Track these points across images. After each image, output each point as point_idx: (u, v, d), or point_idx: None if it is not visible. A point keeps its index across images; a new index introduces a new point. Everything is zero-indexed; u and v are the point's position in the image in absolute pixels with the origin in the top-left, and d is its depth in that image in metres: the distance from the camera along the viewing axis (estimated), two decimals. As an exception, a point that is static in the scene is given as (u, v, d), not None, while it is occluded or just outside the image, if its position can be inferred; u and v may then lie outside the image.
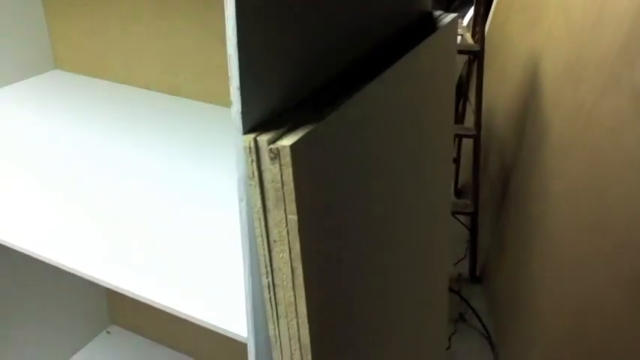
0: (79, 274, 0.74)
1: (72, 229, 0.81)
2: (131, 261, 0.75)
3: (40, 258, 0.77)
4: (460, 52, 2.04)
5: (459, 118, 2.49)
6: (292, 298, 0.57)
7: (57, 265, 0.75)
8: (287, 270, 0.56)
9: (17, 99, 1.21)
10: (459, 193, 2.55)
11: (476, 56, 1.95)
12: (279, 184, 0.52)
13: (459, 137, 2.35)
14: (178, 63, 1.20)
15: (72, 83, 1.29)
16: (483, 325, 1.87)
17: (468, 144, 2.28)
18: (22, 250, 0.78)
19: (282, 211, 0.53)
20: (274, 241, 0.55)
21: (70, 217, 0.84)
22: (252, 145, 0.52)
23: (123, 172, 0.94)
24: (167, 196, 0.89)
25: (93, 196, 0.88)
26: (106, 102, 1.20)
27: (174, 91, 1.23)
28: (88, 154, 1.00)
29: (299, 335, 0.58)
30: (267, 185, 0.53)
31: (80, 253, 0.76)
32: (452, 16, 0.91)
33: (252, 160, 0.52)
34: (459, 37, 2.14)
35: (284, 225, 0.54)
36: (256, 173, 0.53)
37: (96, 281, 0.73)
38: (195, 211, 0.85)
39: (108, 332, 1.62)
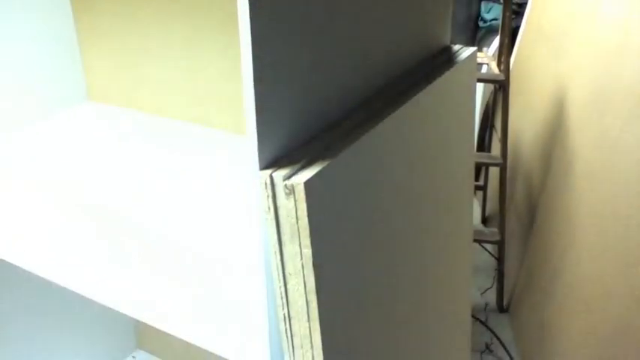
0: (104, 304, 0.76)
1: (90, 254, 0.84)
2: (151, 290, 0.77)
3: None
4: (486, 81, 2.05)
5: (486, 146, 2.49)
6: (307, 330, 0.59)
7: (82, 293, 0.78)
8: (302, 302, 0.57)
9: (52, 128, 1.25)
10: (486, 221, 2.53)
11: (501, 85, 1.96)
12: (294, 219, 0.54)
13: (486, 166, 2.34)
14: (205, 95, 1.23)
15: (104, 114, 1.33)
16: (510, 356, 1.84)
17: (494, 172, 2.27)
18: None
19: (297, 245, 0.55)
20: (289, 274, 0.57)
21: (93, 242, 0.87)
22: (269, 181, 0.54)
23: (149, 200, 0.97)
24: (186, 226, 0.91)
25: (113, 224, 0.91)
26: (134, 132, 1.23)
27: (200, 121, 1.27)
28: (119, 183, 1.03)
29: (314, 366, 0.60)
30: (283, 220, 0.55)
31: (103, 281, 0.79)
32: (470, 50, 0.93)
33: (267, 196, 0.54)
34: (484, 67, 2.15)
35: (299, 258, 0.56)
36: (272, 208, 0.55)
37: (123, 312, 0.75)
38: (213, 243, 0.87)
39: (134, 357, 1.64)
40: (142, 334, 1.64)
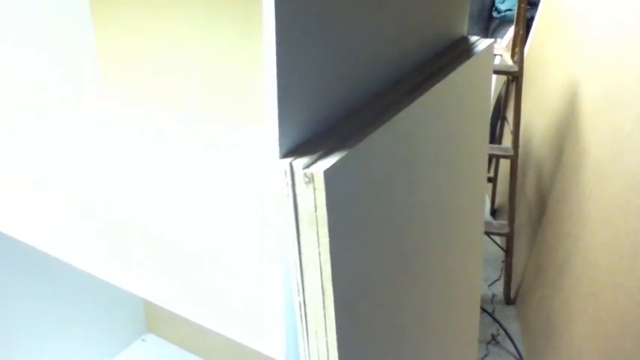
0: (114, 283, 0.77)
1: (100, 235, 0.85)
2: (164, 273, 0.78)
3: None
4: (499, 72, 2.05)
5: (498, 138, 2.49)
6: (322, 317, 0.59)
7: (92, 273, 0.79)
8: (318, 290, 0.58)
9: (60, 121, 1.26)
10: (495, 213, 2.53)
11: (515, 77, 1.95)
12: (312, 208, 0.55)
13: (497, 158, 2.34)
14: (217, 86, 1.23)
15: (114, 106, 1.33)
16: (516, 348, 1.85)
17: (505, 164, 2.27)
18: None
19: (315, 234, 0.56)
20: (306, 262, 0.57)
21: (100, 225, 0.87)
22: (288, 169, 0.54)
23: (158, 188, 0.98)
24: (198, 212, 0.91)
25: (123, 209, 0.92)
26: (144, 121, 1.23)
27: (214, 111, 1.27)
28: (130, 172, 1.04)
29: (328, 353, 0.60)
30: (301, 208, 0.55)
31: (112, 260, 0.80)
32: (487, 41, 0.92)
33: (287, 184, 0.55)
34: (498, 58, 2.14)
35: (316, 246, 0.56)
36: (291, 196, 0.55)
37: (134, 293, 0.76)
38: (229, 229, 0.88)
39: (143, 340, 1.66)
40: (152, 317, 1.66)
